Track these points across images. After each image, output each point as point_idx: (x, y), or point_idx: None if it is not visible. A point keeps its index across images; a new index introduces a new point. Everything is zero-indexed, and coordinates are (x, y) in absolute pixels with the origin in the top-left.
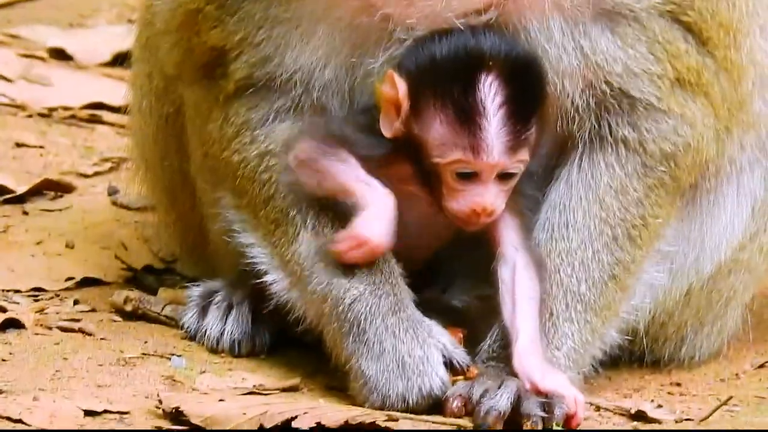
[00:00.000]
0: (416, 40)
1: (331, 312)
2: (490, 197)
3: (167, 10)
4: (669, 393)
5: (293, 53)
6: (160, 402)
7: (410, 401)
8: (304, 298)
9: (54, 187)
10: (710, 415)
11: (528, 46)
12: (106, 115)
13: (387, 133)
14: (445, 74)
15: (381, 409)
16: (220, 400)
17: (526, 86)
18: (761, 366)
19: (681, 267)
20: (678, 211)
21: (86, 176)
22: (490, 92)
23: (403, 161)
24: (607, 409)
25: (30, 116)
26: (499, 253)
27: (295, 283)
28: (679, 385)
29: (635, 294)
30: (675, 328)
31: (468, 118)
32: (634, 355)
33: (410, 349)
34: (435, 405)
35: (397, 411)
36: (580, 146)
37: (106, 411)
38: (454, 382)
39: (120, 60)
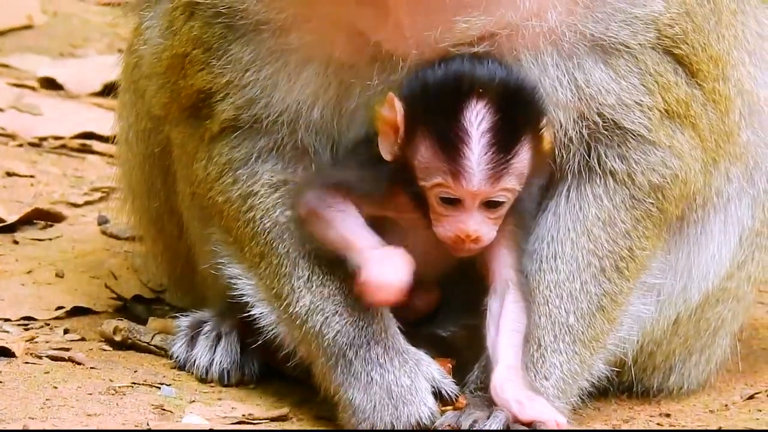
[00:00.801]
0: (417, 66)
1: (318, 346)
2: (473, 224)
3: (152, 54)
4: (658, 424)
5: (281, 94)
6: (150, 431)
7: (399, 429)
8: (291, 332)
9: (44, 217)
10: None
11: (528, 76)
12: (96, 145)
13: (386, 156)
14: (434, 99)
15: None
16: (210, 430)
17: (514, 115)
18: (751, 397)
19: (669, 296)
20: (664, 243)
21: (76, 206)
22: (475, 119)
23: (401, 189)
24: None
25: (20, 146)
26: (491, 285)
27: (281, 316)
28: (668, 416)
29: (623, 326)
30: (663, 357)
31: (450, 143)
32: (623, 385)
33: (398, 378)
34: None
35: None
36: (568, 177)
37: None
38: (442, 412)
39: (110, 90)
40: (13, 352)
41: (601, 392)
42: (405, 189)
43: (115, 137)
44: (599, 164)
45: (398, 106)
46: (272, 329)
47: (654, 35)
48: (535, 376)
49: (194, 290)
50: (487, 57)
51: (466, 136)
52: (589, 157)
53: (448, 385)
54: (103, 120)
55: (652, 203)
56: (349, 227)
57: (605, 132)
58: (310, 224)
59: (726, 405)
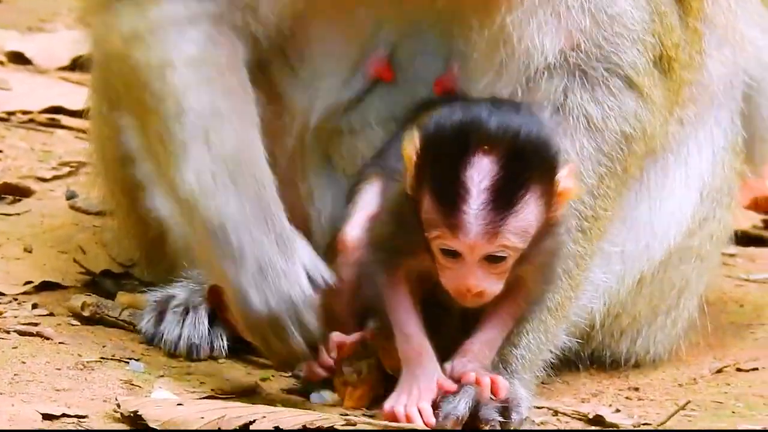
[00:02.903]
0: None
1: (202, 226)
2: (473, 279)
3: None
4: (627, 398)
5: None
6: (119, 406)
7: (272, 306)
8: (179, 217)
9: (12, 191)
10: (668, 419)
11: (546, 127)
12: (65, 119)
13: (409, 190)
14: (442, 147)
15: (245, 318)
16: (179, 405)
17: (521, 172)
18: (719, 371)
19: (632, 254)
20: (622, 210)
21: (45, 180)
22: (477, 176)
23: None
24: (565, 414)
25: None
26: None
27: (173, 204)
28: (637, 389)
29: (585, 293)
30: (630, 319)
31: (449, 197)
32: (593, 355)
33: (274, 260)
34: (299, 316)
35: (262, 318)
36: None
37: (64, 415)
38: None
39: (79, 64)
40: None
41: (571, 366)
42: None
43: (86, 111)
44: (574, 107)
45: (416, 145)
46: (175, 229)
47: None
48: (503, 344)
49: (165, 262)
50: (510, 103)
51: (465, 193)
52: (566, 96)
53: (322, 271)
54: (72, 94)
55: (618, 158)
56: (399, 317)
57: (597, 63)
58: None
59: (694, 379)
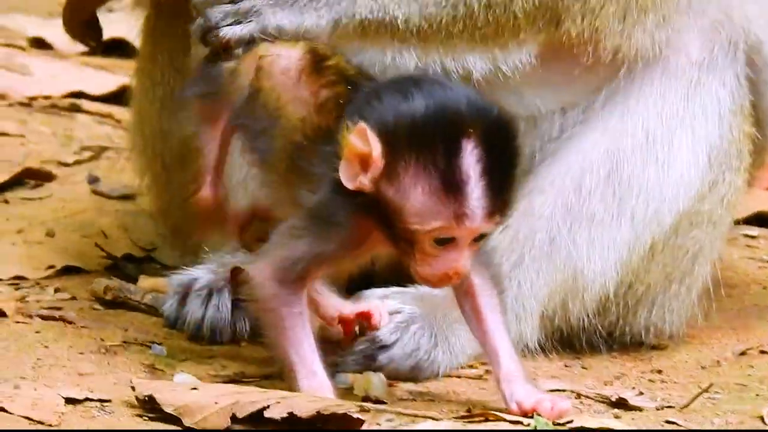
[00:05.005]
0: (384, 88)
1: None
2: (465, 261)
3: None
4: (650, 380)
5: None
6: (133, 389)
7: None
8: None
9: (34, 176)
10: (691, 402)
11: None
12: (86, 104)
13: (349, 184)
14: (427, 140)
15: None
16: (193, 389)
17: (505, 150)
18: (743, 353)
19: (641, 220)
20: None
21: (66, 165)
22: (473, 159)
23: (373, 226)
24: (588, 397)
25: (10, 105)
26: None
27: None
28: (660, 372)
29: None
30: (643, 288)
31: (453, 185)
32: (611, 332)
33: None
34: None
35: None
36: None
37: (87, 399)
38: None
39: (100, 49)
40: (5, 312)
41: (593, 349)
42: (379, 227)
43: (128, 89)
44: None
45: (373, 140)
46: None
47: None
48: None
49: (191, 243)
50: (464, 87)
51: (467, 179)
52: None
53: None
54: (93, 79)
55: None
56: (297, 349)
57: None
58: (265, 316)
59: (718, 361)
